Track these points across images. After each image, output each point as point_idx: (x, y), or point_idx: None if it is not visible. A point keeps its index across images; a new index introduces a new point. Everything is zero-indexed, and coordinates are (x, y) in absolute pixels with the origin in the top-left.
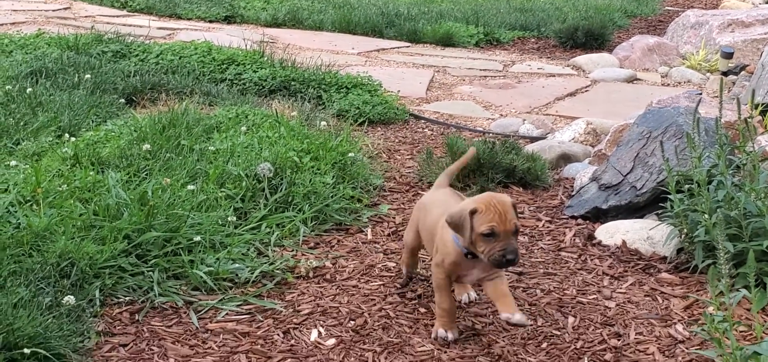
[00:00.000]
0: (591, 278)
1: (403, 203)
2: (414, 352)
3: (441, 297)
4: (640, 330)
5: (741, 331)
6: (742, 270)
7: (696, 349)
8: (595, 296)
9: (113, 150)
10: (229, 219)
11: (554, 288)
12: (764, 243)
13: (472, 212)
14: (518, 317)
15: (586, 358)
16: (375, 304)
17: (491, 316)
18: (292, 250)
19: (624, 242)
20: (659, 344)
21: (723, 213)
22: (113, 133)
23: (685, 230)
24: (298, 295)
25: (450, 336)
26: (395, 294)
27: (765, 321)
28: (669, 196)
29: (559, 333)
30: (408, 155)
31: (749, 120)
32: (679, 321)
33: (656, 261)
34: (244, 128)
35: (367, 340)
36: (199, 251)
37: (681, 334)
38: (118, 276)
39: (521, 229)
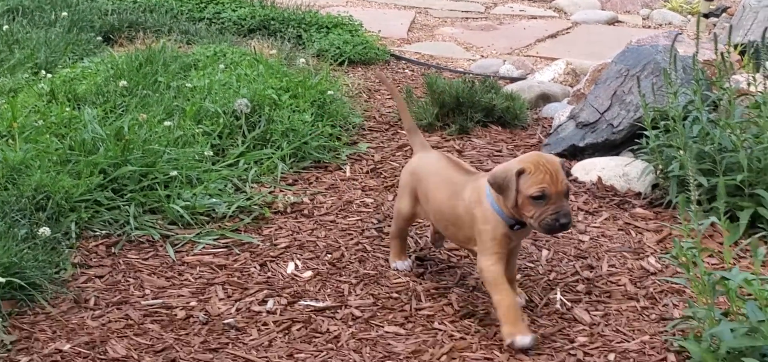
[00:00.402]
0: None
1: (382, 142)
2: (390, 284)
3: (500, 292)
4: (613, 263)
5: (713, 264)
6: (715, 205)
7: (666, 278)
8: (570, 231)
9: (90, 86)
10: (206, 154)
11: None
12: (738, 178)
13: (519, 172)
14: (526, 341)
15: (558, 289)
16: (352, 238)
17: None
18: (270, 187)
19: (600, 178)
20: (631, 275)
21: (698, 148)
22: (90, 70)
23: (660, 166)
24: (276, 230)
25: (528, 340)
26: (372, 229)
27: (737, 255)
28: (645, 133)
29: (533, 265)
30: (388, 95)
31: (726, 56)
32: (651, 253)
33: (631, 197)
34: (222, 66)
35: (343, 272)
36: (176, 186)
37: (653, 266)
38: (94, 210)
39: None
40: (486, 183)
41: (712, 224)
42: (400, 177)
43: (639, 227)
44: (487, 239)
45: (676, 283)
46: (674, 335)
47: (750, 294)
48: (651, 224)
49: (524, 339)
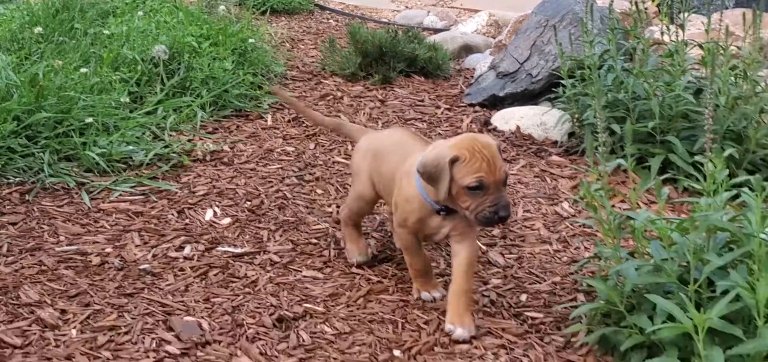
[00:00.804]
0: None
1: (304, 91)
2: (309, 230)
3: (412, 258)
4: (528, 208)
5: (625, 208)
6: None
7: (580, 226)
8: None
9: (4, 33)
10: (123, 101)
11: None
12: (649, 125)
13: (453, 160)
14: (460, 333)
15: None
16: (272, 186)
17: None
18: (189, 135)
19: (518, 127)
20: (545, 220)
21: (612, 96)
22: (4, 17)
23: (576, 114)
24: (194, 177)
25: (437, 294)
26: (293, 177)
27: (647, 200)
28: (562, 82)
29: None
30: (312, 45)
31: (641, 7)
32: (565, 199)
33: (548, 146)
34: (140, 13)
35: (262, 219)
36: (92, 133)
37: (566, 211)
38: (8, 157)
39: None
40: (414, 170)
41: (625, 171)
42: (352, 161)
43: (554, 174)
44: (400, 217)
45: (586, 225)
46: (582, 275)
47: (655, 235)
48: (566, 171)
49: (432, 293)
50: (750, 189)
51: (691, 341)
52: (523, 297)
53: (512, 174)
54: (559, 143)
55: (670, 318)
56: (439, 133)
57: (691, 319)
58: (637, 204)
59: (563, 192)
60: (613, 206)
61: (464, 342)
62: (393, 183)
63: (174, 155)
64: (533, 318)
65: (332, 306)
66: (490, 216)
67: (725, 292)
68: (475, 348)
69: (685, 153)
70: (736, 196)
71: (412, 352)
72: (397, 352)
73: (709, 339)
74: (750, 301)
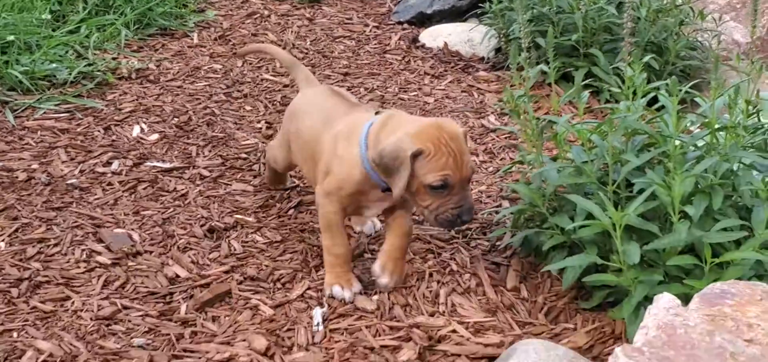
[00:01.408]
0: (413, 77)
1: (231, 10)
2: (239, 146)
3: (332, 239)
4: (456, 121)
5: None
6: (553, 64)
7: (505, 137)
8: (415, 93)
9: None
10: (44, 19)
11: (378, 86)
12: (573, 37)
13: (416, 154)
14: (384, 281)
15: None
16: (200, 103)
17: None
18: (114, 53)
19: (446, 44)
20: (472, 133)
21: (537, 10)
22: None
23: (502, 29)
24: (120, 95)
25: (348, 294)
26: (221, 93)
27: (574, 113)
28: None
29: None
30: None
31: None
32: (492, 113)
33: (475, 62)
34: None
35: (191, 135)
36: (14, 52)
37: (493, 124)
38: None
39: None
40: (364, 126)
41: (550, 84)
42: (284, 117)
43: (481, 89)
44: (333, 185)
45: (509, 132)
46: (507, 181)
47: (576, 141)
48: (492, 86)
49: (344, 292)
50: (667, 92)
51: (610, 239)
52: None
53: (439, 89)
54: (486, 59)
55: (590, 217)
56: (368, 51)
57: (610, 218)
58: (559, 111)
59: (490, 106)
60: (537, 116)
61: (384, 289)
62: (317, 147)
63: (98, 73)
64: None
65: (263, 217)
66: (451, 219)
67: (642, 191)
68: None
69: (607, 65)
70: (655, 102)
71: None
72: None
73: (626, 236)
74: (665, 199)
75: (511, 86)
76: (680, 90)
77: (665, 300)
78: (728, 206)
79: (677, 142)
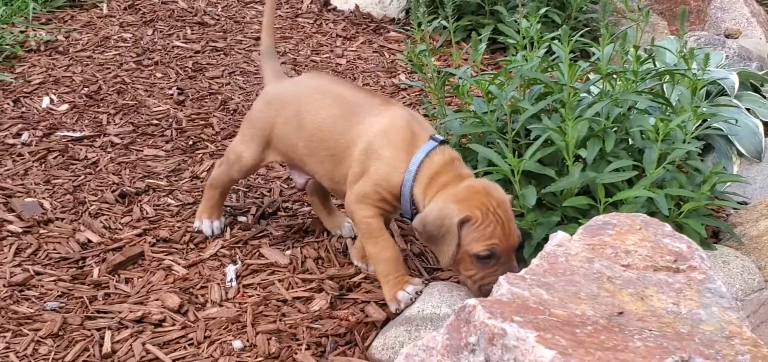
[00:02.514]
0: (325, 40)
1: None
2: (150, 113)
3: (377, 244)
4: (367, 81)
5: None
6: (460, 23)
7: (416, 94)
8: (328, 55)
9: None
10: None
11: (290, 49)
12: None
13: (463, 222)
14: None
15: None
16: (110, 72)
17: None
18: (22, 26)
19: (357, 6)
20: (384, 91)
21: None
22: None
23: None
24: (29, 67)
25: (412, 292)
26: (131, 62)
27: (481, 69)
28: None
29: None
30: None
31: None
32: (403, 71)
33: (386, 23)
34: None
35: (101, 104)
36: None
37: (404, 83)
38: None
39: None
40: (420, 150)
41: (458, 43)
42: (250, 112)
43: (392, 49)
44: (369, 187)
45: (414, 86)
46: None
47: (479, 94)
48: (403, 46)
49: (409, 291)
50: (560, 42)
51: (511, 184)
52: None
53: (351, 50)
54: (397, 19)
55: (491, 164)
56: (279, 15)
57: (509, 164)
58: (459, 64)
59: (400, 66)
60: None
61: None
62: (341, 142)
63: (7, 47)
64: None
65: (176, 180)
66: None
67: (538, 137)
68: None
69: (512, 22)
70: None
71: (256, 215)
72: (241, 218)
73: (525, 181)
74: (561, 144)
75: (413, 42)
76: (572, 39)
77: (559, 238)
78: (621, 149)
79: (570, 89)
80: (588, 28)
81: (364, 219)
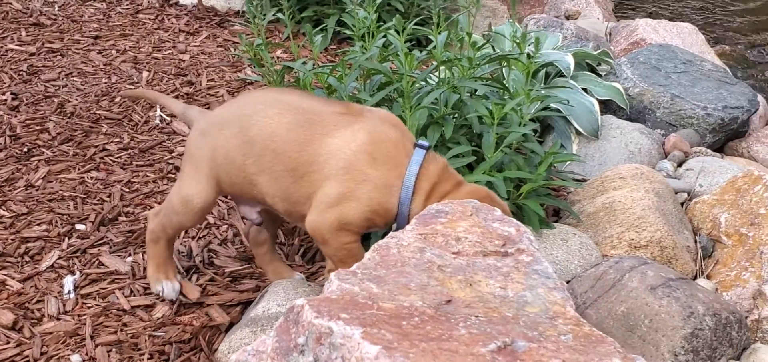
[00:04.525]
0: (167, 36)
1: None
2: None
3: (358, 260)
4: (212, 77)
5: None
6: (305, 14)
7: (253, 78)
8: (170, 51)
9: None
10: None
11: (130, 47)
12: None
13: None
14: None
15: (158, 106)
16: None
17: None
18: None
19: (200, 0)
20: (229, 87)
21: None
22: None
23: None
24: None
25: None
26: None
27: (329, 60)
28: None
29: (133, 87)
30: None
31: None
32: (249, 65)
33: (231, 16)
34: None
35: None
36: None
37: (250, 76)
38: None
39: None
40: (411, 167)
41: (297, 36)
42: (187, 151)
43: (237, 42)
44: (359, 208)
45: (252, 80)
46: None
47: (320, 85)
48: (248, 39)
49: None
50: (396, 31)
51: None
52: None
53: (195, 45)
54: (241, 12)
55: None
56: (119, 12)
57: None
58: (299, 55)
59: (246, 59)
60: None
61: None
62: (302, 156)
63: None
64: None
65: (9, 190)
66: None
67: None
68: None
69: (355, 12)
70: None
71: (95, 222)
72: (80, 226)
73: None
74: None
75: (249, 36)
76: (405, 27)
77: (409, 228)
78: (461, 135)
79: (409, 78)
80: (431, 16)
81: (344, 247)
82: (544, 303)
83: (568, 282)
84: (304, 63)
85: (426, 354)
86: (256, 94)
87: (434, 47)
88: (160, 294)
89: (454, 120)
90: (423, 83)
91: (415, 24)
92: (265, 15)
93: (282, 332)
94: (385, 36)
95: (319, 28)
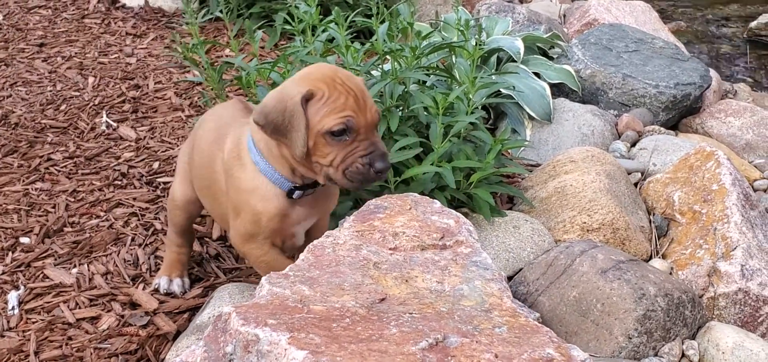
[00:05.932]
0: (114, 39)
1: None
2: None
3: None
4: (159, 79)
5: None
6: (253, 10)
7: (194, 80)
8: (116, 55)
9: None
10: None
11: (76, 53)
12: None
13: (307, 98)
14: None
15: (104, 112)
16: None
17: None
18: None
19: (147, 2)
20: (177, 88)
21: None
22: None
23: None
24: None
25: None
26: None
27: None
28: None
29: (78, 93)
30: None
31: None
32: (199, 65)
33: (179, 16)
34: None
35: None
36: None
37: (198, 79)
38: None
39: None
40: (247, 131)
41: (236, 35)
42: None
43: (186, 42)
44: (247, 219)
45: (199, 81)
46: None
47: (262, 82)
48: (182, 40)
49: None
50: (337, 24)
51: None
52: (156, 165)
53: (142, 48)
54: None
55: None
56: (65, 18)
57: None
58: (238, 51)
59: (196, 59)
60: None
61: None
62: (212, 173)
63: None
64: (165, 183)
65: None
66: (364, 170)
67: None
68: (105, 219)
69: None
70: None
71: (39, 235)
72: (24, 239)
73: None
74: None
75: (183, 37)
76: (346, 19)
77: (346, 225)
78: (409, 126)
79: (354, 70)
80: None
81: (260, 260)
82: (481, 296)
83: (520, 269)
84: (245, 59)
85: (354, 356)
86: (222, 106)
87: (376, 39)
88: (158, 286)
89: (400, 112)
90: (367, 75)
91: (363, 16)
92: (196, 16)
93: (211, 341)
94: (325, 30)
95: (268, 24)
